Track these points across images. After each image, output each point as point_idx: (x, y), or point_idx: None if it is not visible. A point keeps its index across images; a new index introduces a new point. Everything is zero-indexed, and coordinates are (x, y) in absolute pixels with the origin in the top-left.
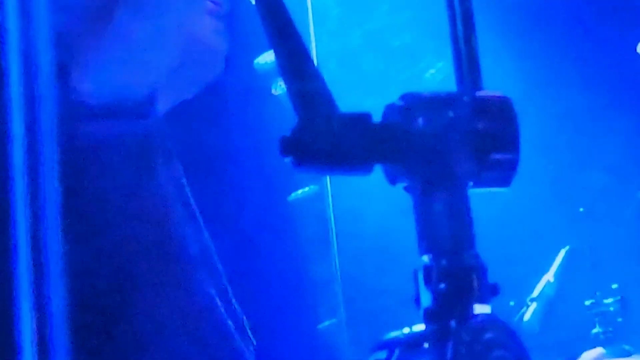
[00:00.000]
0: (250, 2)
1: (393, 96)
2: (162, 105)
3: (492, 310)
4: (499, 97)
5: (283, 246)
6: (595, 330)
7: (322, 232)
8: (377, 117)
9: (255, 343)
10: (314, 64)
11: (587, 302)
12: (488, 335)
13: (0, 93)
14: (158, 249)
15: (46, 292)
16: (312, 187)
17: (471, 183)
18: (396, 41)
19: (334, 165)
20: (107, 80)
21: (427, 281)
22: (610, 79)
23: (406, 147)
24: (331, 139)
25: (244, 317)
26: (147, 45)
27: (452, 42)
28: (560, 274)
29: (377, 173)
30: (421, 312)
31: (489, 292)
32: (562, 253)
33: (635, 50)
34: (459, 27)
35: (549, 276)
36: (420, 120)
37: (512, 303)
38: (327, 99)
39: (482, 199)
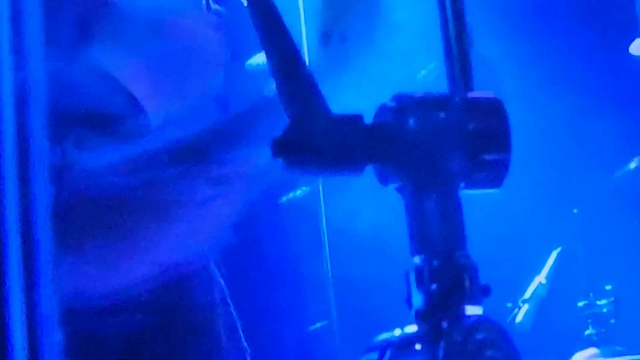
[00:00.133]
0: (242, 3)
1: (385, 97)
2: (158, 117)
3: (483, 310)
4: (490, 98)
5: (275, 247)
6: (588, 331)
7: (314, 233)
8: (368, 118)
9: (249, 351)
10: (305, 65)
11: (581, 303)
12: (480, 336)
13: None
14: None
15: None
16: (304, 188)
17: (463, 184)
18: (387, 42)
19: (325, 166)
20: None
21: (419, 282)
22: (603, 80)
23: (398, 148)
24: (323, 140)
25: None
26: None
27: (444, 43)
28: (552, 275)
29: (369, 174)
30: (413, 312)
31: (481, 293)
32: (554, 254)
33: (628, 51)
34: (451, 28)
35: (541, 277)
36: (411, 121)
37: (509, 304)
38: (318, 100)
39: (474, 200)
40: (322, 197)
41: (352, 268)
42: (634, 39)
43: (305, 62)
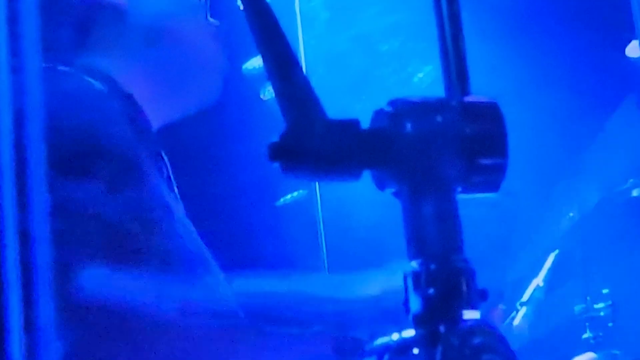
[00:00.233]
0: (238, 7)
1: (381, 101)
2: (158, 122)
3: (481, 315)
4: (486, 101)
5: (272, 250)
6: (585, 335)
7: (311, 236)
8: (365, 123)
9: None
10: (301, 69)
11: (578, 307)
12: (477, 340)
13: None
14: (157, 247)
15: (35, 294)
16: (301, 191)
17: (460, 188)
18: (384, 45)
19: (322, 171)
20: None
21: (416, 286)
22: (600, 82)
23: (394, 152)
24: (320, 145)
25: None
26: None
27: (440, 46)
28: (549, 278)
29: (366, 179)
30: (410, 317)
31: (478, 297)
32: (551, 257)
33: (625, 53)
34: (447, 31)
35: (539, 280)
36: (408, 126)
37: (503, 307)
38: (315, 105)
39: (471, 203)
40: (319, 200)
41: (349, 270)
42: (630, 41)
43: (301, 67)
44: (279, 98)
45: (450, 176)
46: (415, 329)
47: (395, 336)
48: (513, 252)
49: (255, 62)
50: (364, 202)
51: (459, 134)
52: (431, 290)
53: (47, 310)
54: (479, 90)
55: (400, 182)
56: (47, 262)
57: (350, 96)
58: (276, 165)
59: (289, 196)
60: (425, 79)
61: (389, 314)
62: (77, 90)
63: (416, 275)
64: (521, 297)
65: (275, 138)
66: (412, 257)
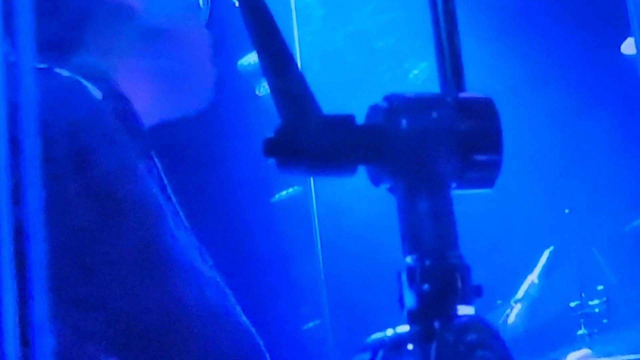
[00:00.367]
0: (234, 3)
1: (376, 98)
2: (151, 121)
3: (476, 310)
4: (481, 98)
5: (267, 247)
6: (580, 332)
7: (306, 233)
8: (360, 119)
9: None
10: (296, 65)
11: (573, 304)
12: (472, 336)
13: None
14: (147, 248)
15: (30, 290)
16: (295, 188)
17: (455, 184)
18: (379, 42)
19: (317, 166)
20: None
21: (411, 282)
22: (595, 79)
23: (390, 148)
24: (315, 141)
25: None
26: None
27: (435, 43)
28: (544, 275)
29: (361, 174)
30: (405, 313)
31: (473, 293)
32: (546, 254)
33: (620, 50)
34: (442, 28)
35: (534, 277)
36: (403, 122)
37: (499, 302)
38: (310, 101)
39: (466, 200)
40: (314, 196)
41: (344, 267)
42: (625, 38)
43: (296, 63)
44: (274, 94)
45: (445, 172)
46: (410, 325)
47: (389, 332)
48: (508, 249)
49: (251, 59)
50: (359, 198)
51: (454, 130)
52: (426, 286)
53: (41, 305)
54: (474, 89)
55: (395, 177)
56: (41, 257)
57: (345, 93)
58: (271, 160)
59: (283, 192)
60: (420, 76)
61: None
62: (71, 95)
63: (411, 271)
64: (515, 294)
65: (270, 134)
66: (406, 253)
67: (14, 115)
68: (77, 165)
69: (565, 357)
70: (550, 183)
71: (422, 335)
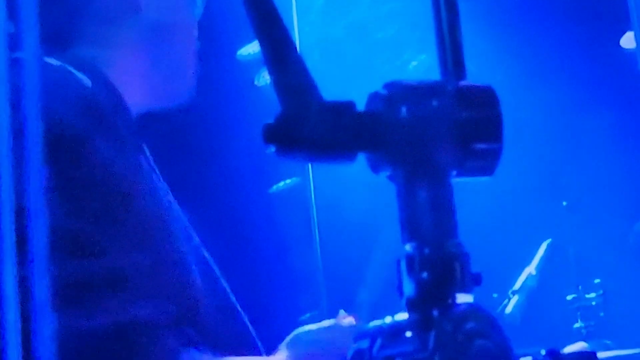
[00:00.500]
0: None
1: (375, 88)
2: (138, 111)
3: (474, 299)
4: (482, 86)
5: (265, 237)
6: (577, 325)
7: (304, 223)
8: (360, 106)
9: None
10: (298, 53)
11: (569, 297)
12: (470, 325)
13: None
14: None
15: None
16: (294, 178)
17: (454, 172)
18: (379, 33)
19: (317, 153)
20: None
21: (410, 270)
22: (594, 73)
23: (389, 135)
24: (315, 127)
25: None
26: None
27: (436, 31)
28: (542, 267)
29: (360, 165)
30: (404, 300)
31: (472, 281)
32: (543, 246)
33: (619, 44)
34: (443, 16)
35: (531, 269)
36: (403, 109)
37: (495, 295)
38: (310, 88)
39: (464, 191)
40: (312, 187)
41: (342, 258)
42: (624, 32)
43: (297, 50)
44: (275, 80)
45: (445, 160)
46: (409, 313)
47: (388, 319)
48: (505, 241)
49: (250, 49)
50: (357, 189)
51: (454, 118)
52: (425, 274)
53: (42, 284)
54: (474, 81)
55: (394, 165)
56: (44, 240)
57: (344, 84)
58: (271, 147)
59: (282, 183)
60: (419, 67)
61: None
62: (63, 86)
63: (410, 259)
64: (512, 286)
65: (270, 121)
66: (405, 241)
67: (17, 102)
68: (72, 147)
69: (561, 350)
70: (548, 176)
71: (421, 323)
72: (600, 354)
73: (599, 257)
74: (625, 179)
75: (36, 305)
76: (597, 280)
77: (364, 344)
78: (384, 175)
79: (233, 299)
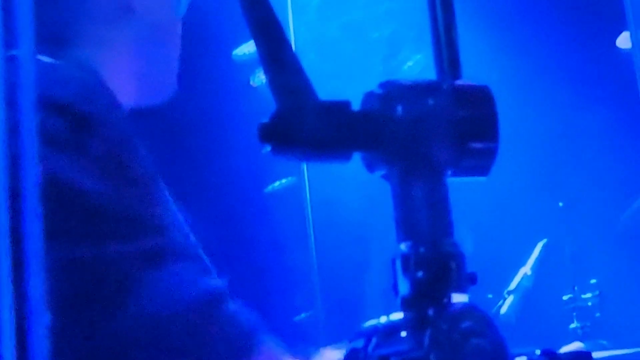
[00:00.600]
0: None
1: (371, 88)
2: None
3: (470, 299)
4: (478, 85)
5: (260, 237)
6: (573, 325)
7: (300, 223)
8: (356, 105)
9: None
10: (293, 52)
11: (565, 297)
12: (466, 324)
13: None
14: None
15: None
16: (289, 178)
17: (450, 171)
18: (375, 33)
19: (312, 152)
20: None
21: (405, 269)
22: (590, 73)
23: (385, 135)
24: (310, 126)
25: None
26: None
27: (432, 30)
28: (537, 267)
29: (355, 164)
30: (399, 300)
31: (467, 281)
32: (539, 246)
33: (615, 44)
34: (439, 15)
35: (527, 269)
36: (399, 108)
37: (490, 295)
38: (306, 87)
39: (460, 191)
40: (307, 187)
41: (337, 258)
42: (620, 32)
43: (293, 49)
44: (271, 79)
45: (441, 159)
46: (404, 312)
47: (383, 319)
48: (501, 241)
49: (245, 49)
50: (352, 189)
51: (450, 117)
52: (420, 274)
53: (37, 283)
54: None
55: (390, 164)
56: (39, 240)
57: (340, 84)
58: (266, 146)
59: (277, 183)
60: (415, 67)
61: None
62: (63, 77)
63: (405, 259)
64: (507, 286)
65: (265, 120)
66: (401, 240)
67: (12, 97)
68: (81, 133)
69: (557, 351)
70: (544, 176)
71: (416, 322)
72: (596, 354)
73: (595, 257)
74: (621, 179)
75: (31, 305)
76: (593, 281)
77: (359, 343)
78: (379, 174)
79: None
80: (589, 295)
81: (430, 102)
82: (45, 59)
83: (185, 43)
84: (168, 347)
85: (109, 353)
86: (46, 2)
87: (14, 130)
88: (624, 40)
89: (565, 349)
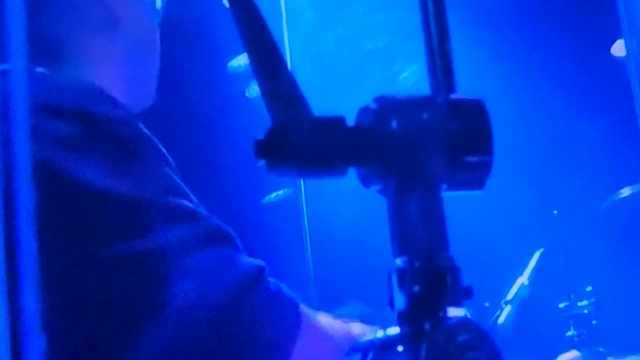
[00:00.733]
0: (224, 5)
1: (366, 100)
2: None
3: (466, 312)
4: (472, 99)
5: (257, 249)
6: (569, 333)
7: (296, 235)
8: (350, 122)
9: None
10: (287, 67)
11: (562, 305)
12: (462, 338)
13: None
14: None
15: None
16: (286, 190)
17: (445, 185)
18: (369, 44)
19: (307, 168)
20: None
21: (401, 284)
22: (585, 81)
23: (380, 150)
24: (305, 142)
25: None
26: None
27: (426, 44)
28: (534, 277)
29: (351, 176)
30: (395, 314)
31: (463, 295)
32: (536, 255)
33: (610, 52)
34: (433, 29)
35: (523, 279)
36: (393, 123)
37: (486, 304)
38: (301, 102)
39: (456, 201)
40: (304, 198)
41: (333, 269)
42: (615, 40)
43: (287, 64)
44: (265, 95)
45: (436, 173)
46: (400, 327)
47: (380, 333)
48: (497, 251)
49: (241, 60)
50: (349, 201)
51: (444, 131)
52: (416, 288)
53: (32, 303)
54: (464, 91)
55: (385, 179)
56: (32, 252)
57: (335, 95)
58: (261, 162)
59: (274, 194)
60: (410, 78)
61: None
62: (63, 83)
63: (401, 273)
64: (504, 296)
65: (260, 135)
66: (397, 255)
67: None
68: (93, 132)
69: (554, 358)
70: (539, 185)
71: (413, 336)
72: None
73: (591, 265)
74: (617, 187)
75: (25, 321)
76: (589, 288)
77: (356, 358)
78: (374, 189)
79: None
80: (585, 302)
81: (425, 116)
82: (40, 69)
83: (181, 55)
84: (216, 335)
85: (156, 349)
86: (37, 15)
87: (6, 144)
88: (618, 48)
89: (562, 357)
